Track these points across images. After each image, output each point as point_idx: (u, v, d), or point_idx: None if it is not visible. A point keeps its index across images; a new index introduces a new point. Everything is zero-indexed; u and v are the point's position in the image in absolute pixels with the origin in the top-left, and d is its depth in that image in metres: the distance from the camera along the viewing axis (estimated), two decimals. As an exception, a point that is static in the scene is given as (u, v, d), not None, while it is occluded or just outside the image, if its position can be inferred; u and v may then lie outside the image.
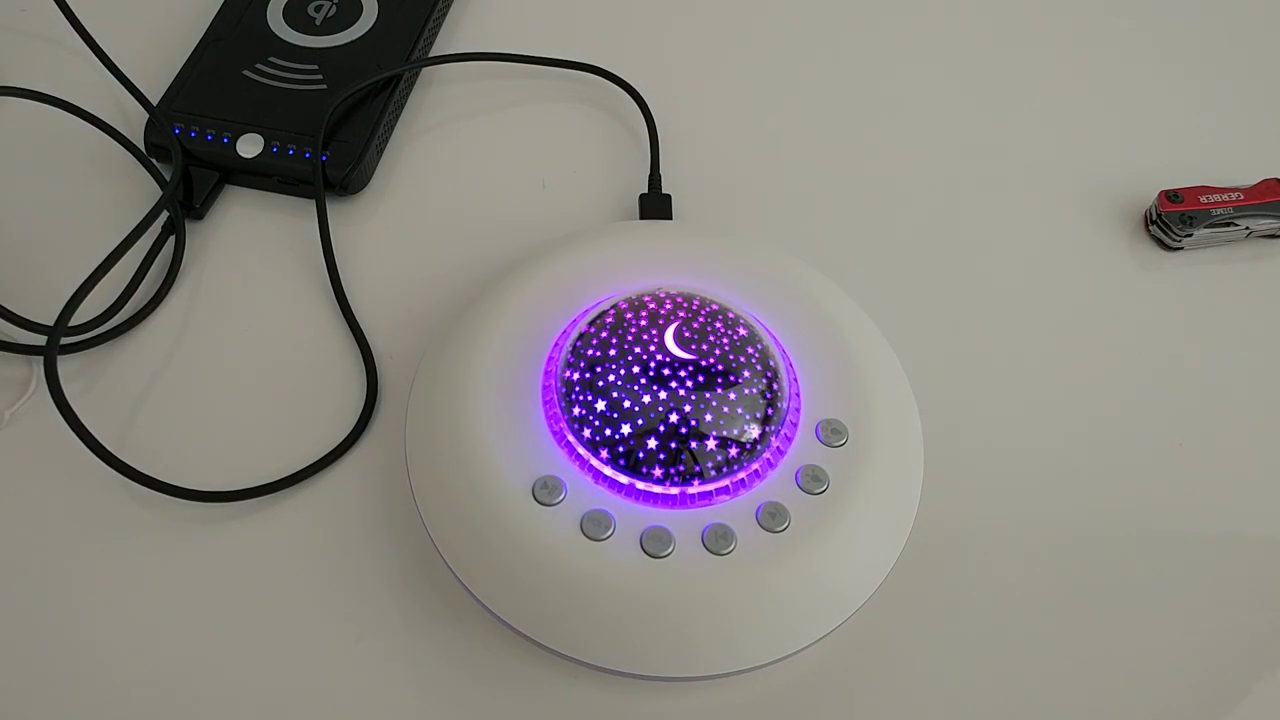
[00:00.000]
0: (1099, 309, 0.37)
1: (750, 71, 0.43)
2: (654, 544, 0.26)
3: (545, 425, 0.29)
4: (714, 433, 0.27)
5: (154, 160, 0.39)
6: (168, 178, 0.38)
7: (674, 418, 0.27)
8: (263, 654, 0.29)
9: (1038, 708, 0.29)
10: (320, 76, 0.40)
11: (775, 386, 0.28)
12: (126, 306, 0.35)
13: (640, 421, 0.27)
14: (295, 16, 0.42)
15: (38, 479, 0.32)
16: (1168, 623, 0.30)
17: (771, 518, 0.27)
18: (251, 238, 0.38)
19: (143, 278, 0.36)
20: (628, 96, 0.41)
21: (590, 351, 0.29)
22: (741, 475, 0.28)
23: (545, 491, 0.27)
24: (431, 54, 0.43)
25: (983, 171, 0.40)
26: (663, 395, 0.27)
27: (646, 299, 0.30)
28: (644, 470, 0.27)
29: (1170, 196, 0.38)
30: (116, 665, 0.29)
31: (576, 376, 0.28)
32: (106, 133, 0.38)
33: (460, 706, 0.28)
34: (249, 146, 0.38)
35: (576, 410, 0.28)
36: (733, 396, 0.28)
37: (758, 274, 0.32)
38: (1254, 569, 0.31)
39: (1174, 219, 0.37)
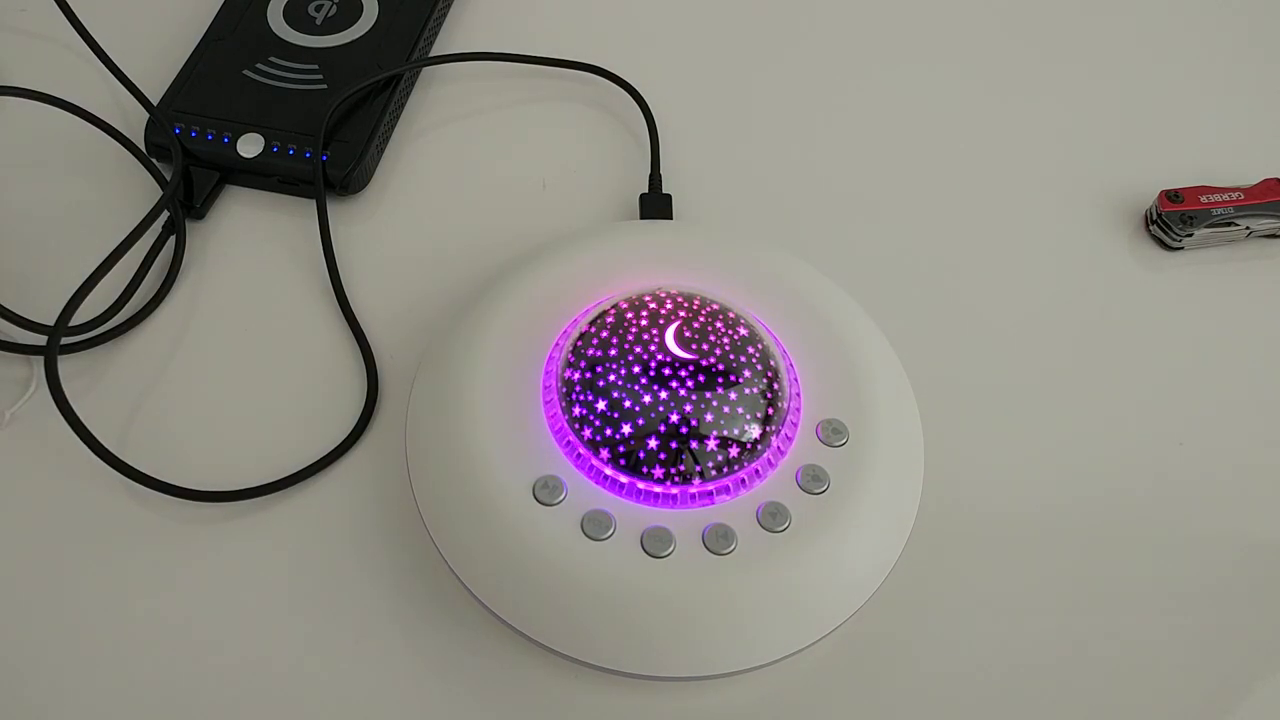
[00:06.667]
0: (1099, 309, 0.37)
1: (751, 71, 0.43)
2: (654, 544, 0.26)
3: (545, 425, 0.29)
4: (714, 433, 0.27)
5: (154, 160, 0.39)
6: (168, 178, 0.38)
7: (674, 418, 0.27)
8: (263, 653, 0.29)
9: (1038, 707, 0.29)
10: (320, 76, 0.40)
11: (775, 386, 0.28)
12: (127, 306, 0.35)
13: (641, 421, 0.27)
14: (295, 16, 0.42)
15: (38, 479, 0.32)
16: (1168, 623, 0.30)
17: (772, 518, 0.27)
18: (251, 238, 0.38)
19: (143, 278, 0.36)
20: (628, 96, 0.41)
21: (591, 351, 0.29)
22: (742, 475, 0.28)
23: (545, 491, 0.27)
24: (431, 54, 0.43)
25: (983, 171, 0.40)
26: (663, 395, 0.27)
27: (647, 299, 0.30)
28: (644, 470, 0.27)
29: (1170, 196, 0.38)
30: (116, 665, 0.29)
31: (577, 376, 0.28)
32: (106, 133, 0.38)
33: (460, 706, 0.28)
34: (249, 146, 0.38)
35: (577, 410, 0.28)
36: (733, 396, 0.28)
37: (758, 274, 0.32)
38: (1254, 569, 0.31)
39: (1174, 219, 0.37)
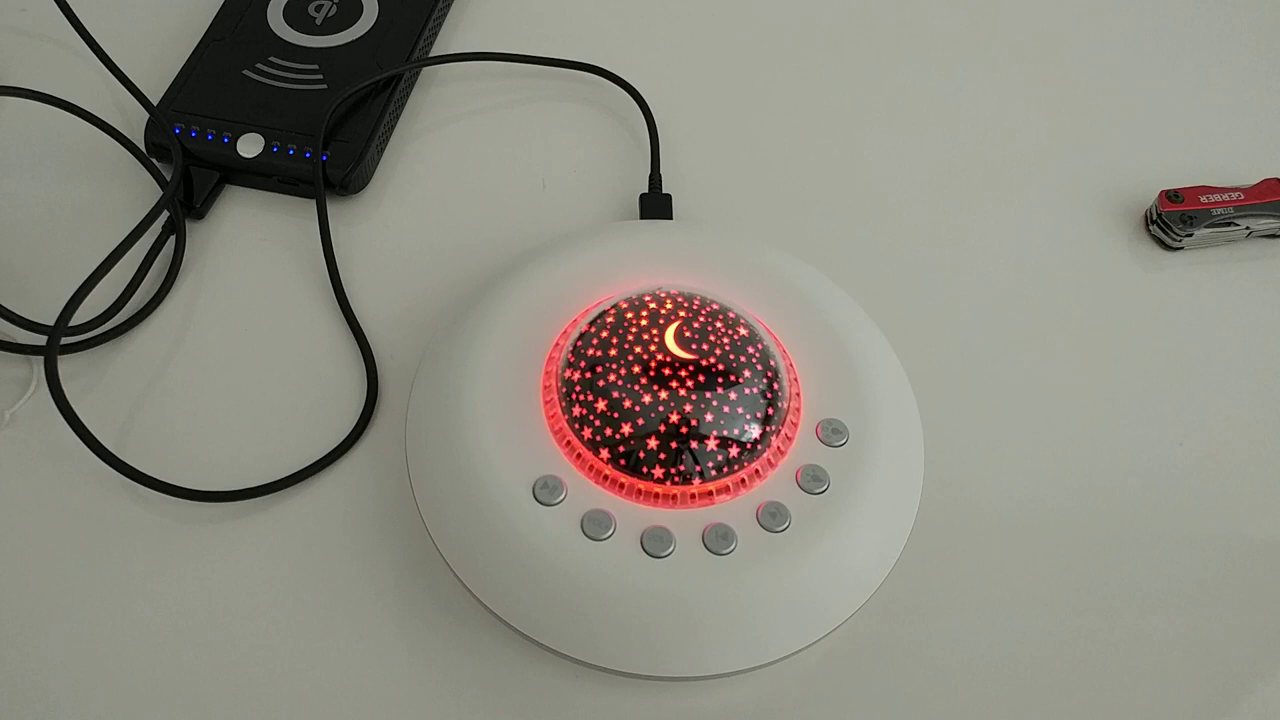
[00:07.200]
0: (1099, 309, 0.37)
1: (751, 71, 0.43)
2: (654, 544, 0.26)
3: (545, 425, 0.29)
4: (714, 433, 0.27)
5: (154, 160, 0.39)
6: (168, 178, 0.38)
7: (674, 418, 0.27)
8: (263, 654, 0.29)
9: (1038, 707, 0.29)
10: (320, 76, 0.40)
11: (775, 386, 0.28)
12: (127, 306, 0.35)
13: (641, 421, 0.27)
14: (295, 16, 0.42)
15: (38, 479, 0.32)
16: (1168, 622, 0.30)
17: (772, 518, 0.27)
18: (251, 238, 0.38)
19: (143, 278, 0.36)
20: (628, 96, 0.41)
21: (591, 351, 0.29)
22: (742, 475, 0.28)
23: (545, 491, 0.27)
24: (431, 54, 0.43)
25: (983, 171, 0.40)
26: (663, 395, 0.27)
27: (647, 299, 0.30)
28: (644, 470, 0.27)
29: (1170, 196, 0.38)
30: (116, 665, 0.29)
31: (577, 376, 0.28)
32: (106, 133, 0.38)
33: (460, 706, 0.28)
34: (249, 146, 0.38)
35: (577, 410, 0.28)
36: (733, 396, 0.28)
37: (758, 274, 0.32)
38: (1254, 569, 0.31)
39: (1174, 219, 0.37)
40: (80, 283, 0.33)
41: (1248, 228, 0.37)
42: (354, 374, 0.34)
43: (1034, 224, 0.39)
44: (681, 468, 0.27)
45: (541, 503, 0.27)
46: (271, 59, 0.41)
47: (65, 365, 0.34)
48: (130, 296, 0.35)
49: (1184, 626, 0.30)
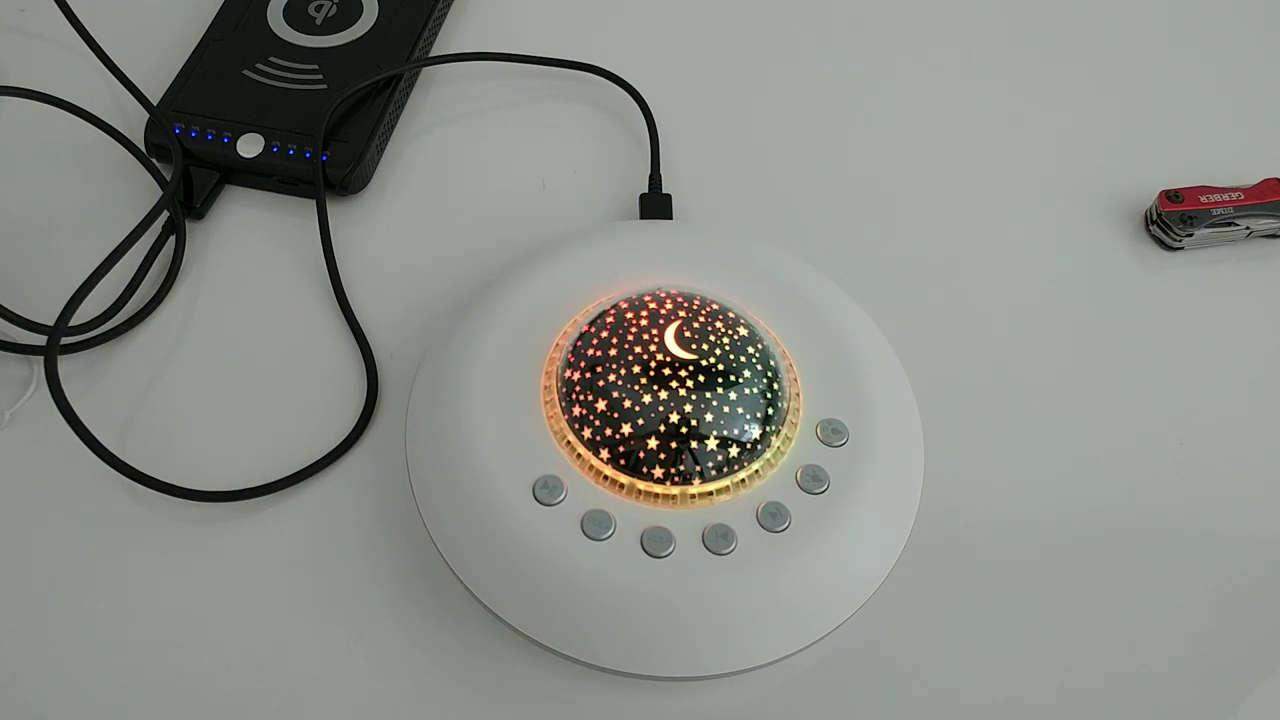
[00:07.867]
0: (1099, 309, 0.37)
1: (751, 71, 0.43)
2: (654, 544, 0.26)
3: (545, 425, 0.29)
4: (714, 433, 0.27)
5: (154, 160, 0.39)
6: (168, 178, 0.38)
7: (674, 418, 0.27)
8: (262, 654, 0.29)
9: (1038, 707, 0.29)
10: (320, 76, 0.40)
11: (775, 386, 0.28)
12: (127, 306, 0.35)
13: (641, 421, 0.27)
14: (295, 16, 0.42)
15: (38, 479, 0.32)
16: (1168, 622, 0.30)
17: (771, 518, 0.27)
18: (251, 238, 0.38)
19: (143, 278, 0.36)
20: (628, 96, 0.41)
21: (591, 351, 0.29)
22: (742, 475, 0.28)
23: (545, 491, 0.27)
24: (431, 54, 0.43)
25: (983, 171, 0.40)
26: (663, 395, 0.27)
27: (647, 299, 0.30)
28: (644, 470, 0.27)
29: (1170, 196, 0.38)
30: (115, 665, 0.29)
31: (577, 376, 0.28)
32: (106, 133, 0.38)
33: (460, 706, 0.28)
34: (249, 146, 0.38)
35: (577, 410, 0.28)
36: (733, 396, 0.28)
37: (758, 274, 0.32)
38: (1254, 569, 0.31)
39: (1174, 219, 0.37)
40: (80, 283, 0.33)
41: (1248, 228, 0.37)
42: (354, 374, 0.34)
43: (1034, 224, 0.39)
44: (681, 468, 0.27)
45: (541, 503, 0.27)
46: (271, 59, 0.41)
47: (65, 365, 0.34)
48: (130, 296, 0.35)
49: (1184, 627, 0.30)
